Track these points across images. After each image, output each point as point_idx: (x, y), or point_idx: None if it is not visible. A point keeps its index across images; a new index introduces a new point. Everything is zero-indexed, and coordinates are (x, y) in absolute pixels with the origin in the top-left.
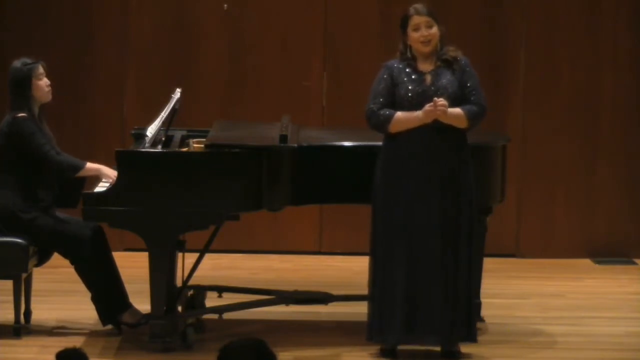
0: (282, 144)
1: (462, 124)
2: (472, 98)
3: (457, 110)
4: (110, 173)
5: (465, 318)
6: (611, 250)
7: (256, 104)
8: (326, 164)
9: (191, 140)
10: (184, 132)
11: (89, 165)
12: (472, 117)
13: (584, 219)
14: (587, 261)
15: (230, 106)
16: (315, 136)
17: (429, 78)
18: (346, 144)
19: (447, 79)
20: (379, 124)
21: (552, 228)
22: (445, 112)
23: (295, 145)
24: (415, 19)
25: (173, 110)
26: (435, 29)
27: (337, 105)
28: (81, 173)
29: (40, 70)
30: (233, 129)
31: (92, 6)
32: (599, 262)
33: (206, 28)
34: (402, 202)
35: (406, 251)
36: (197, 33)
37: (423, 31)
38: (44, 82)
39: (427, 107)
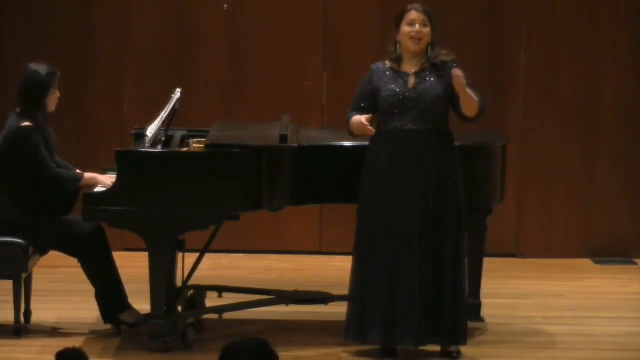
0: (282, 144)
1: (474, 108)
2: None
3: (473, 95)
4: (106, 180)
5: (451, 321)
6: (611, 250)
7: (256, 104)
8: (326, 164)
9: (191, 140)
10: (184, 132)
11: (87, 175)
12: (482, 106)
13: (584, 219)
14: (587, 261)
15: (230, 106)
16: (315, 136)
17: (412, 80)
18: (346, 144)
19: (431, 81)
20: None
21: (552, 228)
22: (462, 84)
23: (295, 145)
24: (413, 15)
25: (173, 110)
26: (428, 30)
27: (337, 105)
28: (80, 184)
29: (56, 82)
30: (233, 129)
31: (92, 6)
32: (599, 262)
33: (206, 28)
34: (384, 203)
35: (388, 252)
36: (197, 33)
37: (416, 27)
38: (57, 94)
39: (364, 120)
